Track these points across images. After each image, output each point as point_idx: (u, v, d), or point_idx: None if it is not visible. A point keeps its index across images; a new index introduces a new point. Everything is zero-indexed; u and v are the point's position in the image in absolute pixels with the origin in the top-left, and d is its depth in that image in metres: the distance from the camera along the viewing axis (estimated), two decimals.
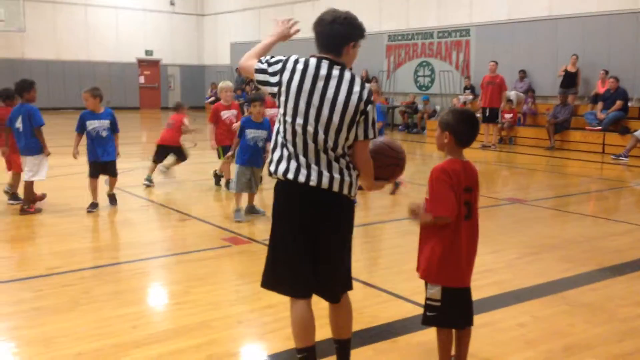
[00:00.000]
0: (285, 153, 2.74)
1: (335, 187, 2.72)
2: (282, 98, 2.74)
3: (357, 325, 3.73)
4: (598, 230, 6.34)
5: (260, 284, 2.91)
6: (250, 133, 6.28)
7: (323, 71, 2.70)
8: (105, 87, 24.57)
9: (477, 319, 3.81)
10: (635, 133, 11.89)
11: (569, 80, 14.02)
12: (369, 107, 2.72)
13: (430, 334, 3.56)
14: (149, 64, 26.30)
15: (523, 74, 15.47)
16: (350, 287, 2.96)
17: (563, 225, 6.71)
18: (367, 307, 4.07)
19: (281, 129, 2.77)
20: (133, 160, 11.18)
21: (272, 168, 2.79)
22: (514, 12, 15.77)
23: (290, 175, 2.72)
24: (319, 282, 2.82)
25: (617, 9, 13.59)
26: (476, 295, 4.23)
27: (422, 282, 4.26)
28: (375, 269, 4.98)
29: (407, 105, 18.19)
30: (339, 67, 2.73)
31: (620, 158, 11.69)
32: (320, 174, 2.70)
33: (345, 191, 2.76)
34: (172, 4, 26.33)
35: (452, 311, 2.92)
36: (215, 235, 5.83)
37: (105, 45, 25.03)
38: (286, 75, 2.72)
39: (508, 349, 3.44)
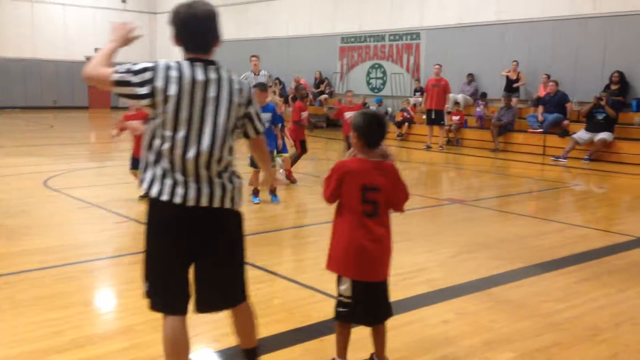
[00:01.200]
0: (159, 172, 2.52)
1: (216, 203, 2.57)
2: (159, 109, 2.49)
3: (288, 325, 3.78)
4: (531, 230, 6.54)
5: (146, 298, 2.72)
6: None
7: (200, 76, 2.51)
8: (52, 86, 24.28)
9: (405, 316, 3.93)
10: (574, 135, 12.34)
11: (511, 86, 14.47)
12: (251, 107, 2.67)
13: (359, 332, 3.62)
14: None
15: (471, 78, 15.83)
16: (242, 299, 2.83)
17: (499, 225, 6.91)
18: (300, 307, 4.11)
19: (156, 144, 2.53)
20: (74, 161, 10.94)
21: (145, 187, 2.56)
22: (464, 17, 16.13)
23: (165, 197, 2.50)
24: (220, 289, 2.71)
25: (561, 14, 14.07)
26: (407, 293, 4.37)
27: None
28: (311, 270, 5.01)
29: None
30: (214, 67, 2.56)
31: (560, 159, 12.10)
32: (199, 192, 2.52)
33: (228, 205, 2.62)
34: (123, 1, 25.88)
35: (360, 307, 3.00)
36: None
37: (53, 43, 24.40)
38: (160, 83, 2.46)
39: (430, 345, 3.52)
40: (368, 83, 18.98)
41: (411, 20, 17.45)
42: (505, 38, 15.23)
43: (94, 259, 5.18)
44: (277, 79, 20.31)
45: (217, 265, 2.68)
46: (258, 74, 11.50)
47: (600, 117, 12.12)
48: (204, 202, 2.54)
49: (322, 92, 19.56)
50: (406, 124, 16.09)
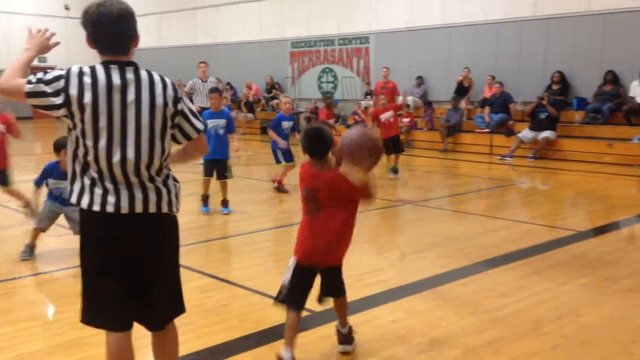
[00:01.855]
0: (87, 182, 2.42)
1: (152, 209, 2.47)
2: (76, 118, 2.37)
3: (238, 333, 3.77)
4: (478, 227, 6.71)
5: (80, 319, 2.62)
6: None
7: (116, 79, 2.38)
8: None
9: (356, 317, 3.97)
10: (519, 135, 12.72)
11: (462, 90, 14.81)
12: (180, 104, 2.52)
13: (307, 337, 3.65)
14: (41, 71, 24.98)
15: (420, 81, 16.11)
16: (182, 310, 2.73)
17: (448, 224, 7.05)
18: (250, 313, 4.11)
19: (80, 154, 2.42)
20: (17, 174, 10.55)
21: (74, 200, 2.45)
22: (411, 21, 16.40)
23: (97, 207, 2.40)
24: (147, 309, 2.58)
25: (503, 18, 14.48)
26: (358, 294, 4.42)
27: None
28: (261, 275, 5.01)
29: (311, 111, 18.41)
30: (131, 68, 2.44)
31: (506, 158, 12.44)
32: (132, 198, 2.43)
33: (165, 209, 2.52)
34: (67, 8, 25.24)
35: (295, 291, 3.30)
36: None
37: None
38: (74, 91, 2.34)
39: (380, 344, 3.57)
40: (319, 87, 19.07)
41: (360, 25, 17.63)
42: (450, 41, 15.57)
43: (37, 273, 5.03)
44: (229, 84, 20.23)
45: (160, 274, 2.59)
46: (206, 81, 11.40)
47: (542, 116, 12.53)
48: (139, 208, 2.45)
49: (274, 97, 19.56)
50: None
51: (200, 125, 2.61)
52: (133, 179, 2.45)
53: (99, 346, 3.53)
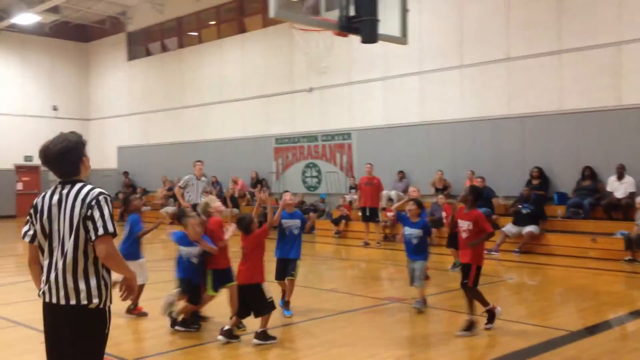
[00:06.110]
0: (43, 276, 3.20)
1: (73, 301, 3.07)
2: (36, 227, 3.22)
3: None
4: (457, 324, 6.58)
5: None
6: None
7: (56, 196, 3.19)
8: None
9: None
10: (504, 228, 12.84)
11: (441, 191, 15.11)
12: (91, 211, 3.07)
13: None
14: (27, 170, 25.02)
15: (402, 174, 16.42)
16: None
17: (437, 324, 6.93)
18: None
19: (41, 254, 3.24)
20: (0, 275, 10.34)
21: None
22: (390, 118, 16.96)
23: (40, 294, 3.19)
24: None
25: (478, 116, 15.05)
26: None
27: None
28: None
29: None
30: (68, 185, 3.19)
31: (492, 253, 12.47)
32: (57, 291, 3.09)
33: (84, 302, 3.07)
34: (54, 109, 25.71)
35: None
36: None
37: None
38: (32, 210, 3.23)
39: None
40: (304, 182, 19.31)
41: (341, 122, 18.17)
42: (429, 137, 16.04)
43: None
44: (214, 177, 20.51)
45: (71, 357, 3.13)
46: (200, 178, 11.73)
47: (525, 211, 12.72)
48: (61, 298, 3.08)
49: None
50: (343, 221, 16.32)
51: (100, 231, 3.05)
52: (60, 275, 3.08)
53: None
